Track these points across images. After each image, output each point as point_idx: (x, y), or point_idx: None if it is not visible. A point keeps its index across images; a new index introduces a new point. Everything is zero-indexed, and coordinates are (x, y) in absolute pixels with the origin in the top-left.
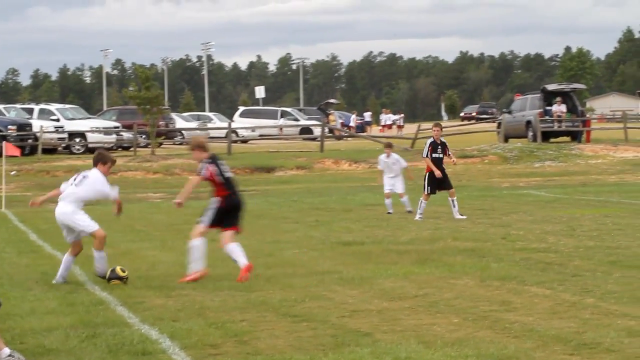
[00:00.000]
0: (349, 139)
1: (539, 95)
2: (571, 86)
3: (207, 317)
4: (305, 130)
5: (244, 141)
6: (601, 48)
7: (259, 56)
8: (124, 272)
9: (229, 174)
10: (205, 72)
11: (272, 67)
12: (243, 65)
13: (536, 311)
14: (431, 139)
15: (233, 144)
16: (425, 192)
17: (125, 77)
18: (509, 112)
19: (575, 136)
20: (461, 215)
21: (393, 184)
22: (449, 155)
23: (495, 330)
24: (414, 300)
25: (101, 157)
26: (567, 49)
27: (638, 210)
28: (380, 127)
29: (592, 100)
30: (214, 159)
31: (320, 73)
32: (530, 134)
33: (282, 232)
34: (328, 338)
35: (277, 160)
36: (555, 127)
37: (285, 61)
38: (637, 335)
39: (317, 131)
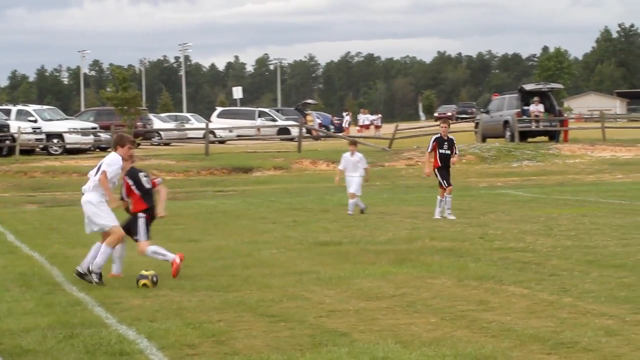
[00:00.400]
0: (326, 139)
1: (516, 95)
2: (549, 86)
3: (185, 318)
4: (283, 130)
5: (222, 142)
6: (579, 48)
7: (236, 57)
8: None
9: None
10: (182, 73)
11: (249, 68)
12: (220, 66)
13: (514, 310)
14: (437, 135)
15: (210, 145)
16: (442, 187)
17: (103, 78)
18: (487, 112)
19: (552, 136)
20: (438, 215)
21: (353, 184)
22: (455, 154)
23: (473, 329)
24: (392, 300)
25: (117, 139)
26: (545, 48)
27: (615, 209)
28: (358, 128)
29: (570, 100)
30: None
31: (298, 73)
32: (508, 133)
33: (260, 232)
34: (305, 338)
35: (254, 161)
36: (533, 126)
37: (262, 62)
38: (615, 334)
39: (294, 131)
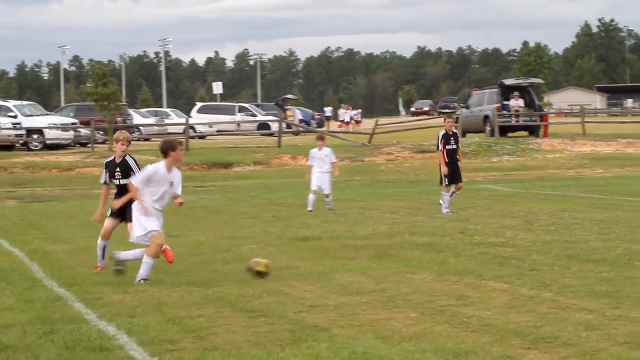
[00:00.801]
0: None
1: (496, 90)
2: (529, 81)
3: (165, 313)
4: (263, 125)
5: (202, 137)
6: (559, 43)
7: (216, 52)
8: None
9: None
10: (162, 68)
11: (229, 63)
12: (200, 62)
13: (493, 305)
14: (443, 131)
15: (191, 140)
16: (444, 184)
17: (83, 74)
18: (467, 107)
19: (532, 131)
20: (447, 210)
21: (322, 182)
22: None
23: (453, 324)
24: (372, 295)
25: (162, 146)
26: (525, 43)
27: (595, 204)
28: (338, 123)
29: (550, 95)
30: None
31: (278, 69)
32: (488, 128)
33: (240, 227)
34: (285, 333)
35: (234, 156)
36: (513, 121)
37: (242, 57)
38: (594, 329)
39: (274, 127)
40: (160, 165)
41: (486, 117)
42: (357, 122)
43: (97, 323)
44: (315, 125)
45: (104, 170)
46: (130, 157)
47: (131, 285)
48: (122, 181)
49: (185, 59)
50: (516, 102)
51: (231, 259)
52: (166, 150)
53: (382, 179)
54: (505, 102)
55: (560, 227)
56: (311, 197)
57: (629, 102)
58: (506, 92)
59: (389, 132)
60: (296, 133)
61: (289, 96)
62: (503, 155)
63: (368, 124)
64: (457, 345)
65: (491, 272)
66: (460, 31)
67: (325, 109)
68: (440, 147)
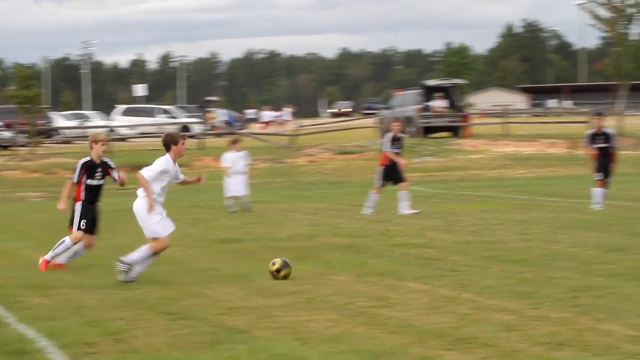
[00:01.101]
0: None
1: (419, 90)
2: (451, 81)
3: (85, 316)
4: (185, 128)
5: (124, 139)
6: (482, 43)
7: (139, 54)
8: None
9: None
10: (86, 70)
11: (152, 65)
12: (124, 64)
13: (413, 307)
14: (392, 134)
15: (113, 143)
16: (377, 186)
17: (8, 77)
18: (389, 108)
19: (455, 131)
20: (412, 210)
21: (237, 185)
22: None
23: (372, 326)
24: (291, 297)
25: (164, 140)
26: (448, 44)
27: (517, 205)
28: (261, 125)
29: (473, 96)
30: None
31: (201, 71)
32: (411, 129)
33: None
34: (205, 335)
35: (156, 158)
36: (436, 122)
37: (165, 59)
38: (514, 329)
39: (197, 129)
40: (168, 158)
41: (409, 118)
42: (283, 122)
43: (16, 326)
44: (239, 128)
45: (80, 170)
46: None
47: (52, 288)
48: (101, 181)
49: (109, 61)
50: (439, 103)
51: (151, 261)
52: (169, 144)
53: (304, 181)
54: (428, 103)
55: (482, 227)
56: (229, 202)
57: (552, 103)
58: (429, 93)
59: (311, 134)
60: (219, 135)
61: (212, 98)
62: (425, 156)
63: (290, 125)
64: (377, 347)
65: (411, 273)
66: (383, 32)
67: (247, 110)
68: (389, 147)
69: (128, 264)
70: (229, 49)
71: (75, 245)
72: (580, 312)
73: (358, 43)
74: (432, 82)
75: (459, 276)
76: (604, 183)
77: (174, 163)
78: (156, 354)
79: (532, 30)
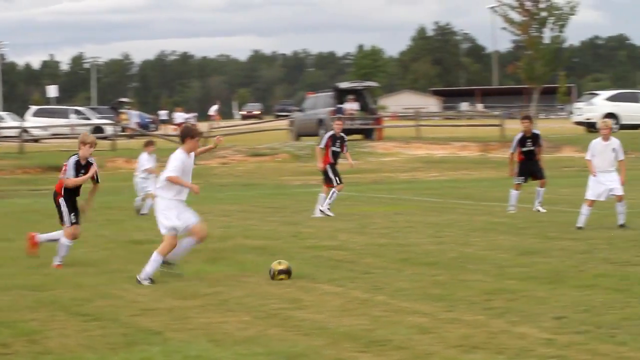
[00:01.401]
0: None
1: (331, 93)
2: (363, 84)
3: None
4: (97, 129)
5: (36, 140)
6: (395, 46)
7: (51, 55)
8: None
9: None
10: None
11: (65, 66)
12: (36, 65)
13: (327, 309)
14: (331, 132)
15: (25, 144)
16: (335, 184)
17: None
18: (301, 110)
19: (367, 134)
20: (327, 210)
21: (149, 185)
22: (345, 153)
23: (286, 328)
24: (205, 299)
25: (182, 132)
26: (361, 47)
27: (429, 207)
28: (174, 126)
29: (386, 98)
30: None
31: (113, 72)
32: (322, 131)
33: None
34: (118, 337)
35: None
36: (348, 125)
37: (78, 60)
38: (427, 332)
39: (109, 130)
40: (182, 152)
41: (321, 121)
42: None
43: None
44: (153, 129)
45: (67, 167)
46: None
47: None
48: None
49: (21, 62)
50: (351, 106)
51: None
52: (185, 136)
53: (216, 183)
54: (340, 106)
55: (394, 230)
56: (141, 202)
57: (464, 106)
58: (341, 96)
59: (224, 136)
60: (131, 136)
61: (124, 99)
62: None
63: (202, 127)
64: (290, 349)
65: (324, 276)
66: (295, 34)
67: (160, 112)
68: (324, 145)
69: (145, 279)
70: (142, 51)
71: (56, 233)
72: (494, 315)
73: (270, 45)
74: (344, 85)
75: (372, 278)
76: (520, 186)
77: (188, 156)
78: (70, 355)
79: (445, 34)
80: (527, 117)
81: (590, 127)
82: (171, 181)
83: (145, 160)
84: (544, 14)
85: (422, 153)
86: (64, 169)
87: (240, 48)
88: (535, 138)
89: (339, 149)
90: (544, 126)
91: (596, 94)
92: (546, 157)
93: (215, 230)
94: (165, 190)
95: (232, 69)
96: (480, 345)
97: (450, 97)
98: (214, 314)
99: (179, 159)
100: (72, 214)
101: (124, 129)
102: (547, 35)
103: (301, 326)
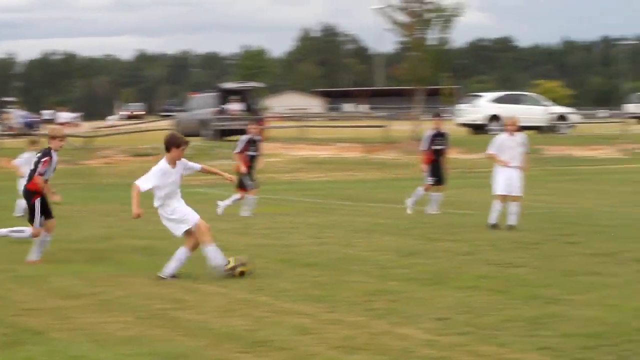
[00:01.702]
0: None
1: (215, 93)
2: (247, 84)
3: None
4: None
5: None
6: (279, 46)
7: None
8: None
9: None
10: None
11: None
12: None
13: (209, 309)
14: (248, 136)
15: None
16: (244, 189)
17: None
18: (185, 111)
19: None
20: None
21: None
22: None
23: (168, 328)
24: (87, 299)
25: (167, 142)
26: (245, 47)
27: (312, 208)
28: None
29: (270, 99)
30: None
31: None
32: (206, 132)
33: None
34: (0, 337)
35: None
36: (231, 125)
37: None
38: (309, 333)
39: None
40: (164, 162)
41: (204, 121)
42: (75, 125)
43: None
44: (37, 129)
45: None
46: None
47: None
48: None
49: None
50: (235, 106)
51: None
52: (170, 145)
53: (99, 183)
54: (224, 106)
55: (277, 231)
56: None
57: (348, 107)
58: (225, 96)
59: (107, 136)
60: (15, 136)
61: (8, 99)
62: (221, 159)
63: (88, 127)
64: (173, 349)
65: (207, 276)
66: (181, 35)
67: (43, 111)
68: (241, 150)
69: (169, 275)
70: (26, 50)
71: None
72: (376, 316)
73: (155, 45)
74: (228, 85)
75: (255, 279)
76: (432, 187)
77: (173, 165)
78: None
79: (329, 34)
80: (437, 115)
81: (476, 128)
82: (132, 189)
83: (26, 158)
84: (429, 15)
85: (305, 154)
86: (42, 166)
87: (125, 48)
88: (444, 136)
89: (255, 153)
90: (428, 128)
91: (479, 96)
92: None
93: (98, 230)
94: (156, 200)
95: (117, 68)
96: (362, 347)
97: (335, 98)
98: (96, 314)
99: (157, 171)
100: (43, 216)
101: (8, 128)
102: (432, 36)
103: (184, 326)
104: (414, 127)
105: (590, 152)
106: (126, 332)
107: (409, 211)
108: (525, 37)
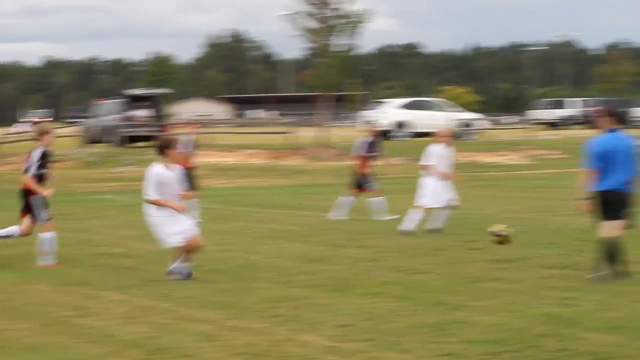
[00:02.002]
0: None
1: (121, 100)
2: (154, 91)
3: None
4: None
5: None
6: (187, 53)
7: None
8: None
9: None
10: None
11: None
12: None
13: (111, 316)
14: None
15: None
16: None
17: None
18: (92, 117)
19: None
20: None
21: None
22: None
23: (70, 335)
24: None
25: (160, 145)
26: (153, 53)
27: (217, 215)
28: None
29: (178, 105)
30: None
31: None
32: (112, 138)
33: None
34: None
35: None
36: (137, 131)
37: None
38: (212, 340)
39: None
40: (158, 166)
41: (110, 127)
42: None
43: None
44: None
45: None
46: None
47: None
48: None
49: None
50: (141, 113)
51: None
52: (164, 148)
53: (6, 189)
54: (130, 112)
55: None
56: None
57: (254, 113)
58: (131, 102)
59: (13, 142)
60: None
61: None
62: (127, 165)
63: None
64: (74, 356)
65: (111, 283)
66: (88, 41)
67: None
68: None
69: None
70: None
71: (12, 229)
72: (279, 323)
73: (62, 51)
74: (135, 92)
75: (158, 286)
76: (360, 193)
77: (168, 168)
78: None
79: (236, 41)
80: (369, 122)
81: (382, 135)
82: (155, 204)
83: None
84: (336, 21)
85: (212, 160)
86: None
87: (32, 54)
88: (377, 144)
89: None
90: (336, 134)
91: (384, 102)
92: (334, 165)
93: None
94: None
95: (23, 74)
96: (264, 353)
97: (243, 104)
98: None
99: (153, 176)
100: (48, 209)
101: None
102: (339, 42)
103: (86, 333)
104: (318, 134)
105: (496, 158)
106: (28, 340)
107: (336, 216)
108: (434, 43)
